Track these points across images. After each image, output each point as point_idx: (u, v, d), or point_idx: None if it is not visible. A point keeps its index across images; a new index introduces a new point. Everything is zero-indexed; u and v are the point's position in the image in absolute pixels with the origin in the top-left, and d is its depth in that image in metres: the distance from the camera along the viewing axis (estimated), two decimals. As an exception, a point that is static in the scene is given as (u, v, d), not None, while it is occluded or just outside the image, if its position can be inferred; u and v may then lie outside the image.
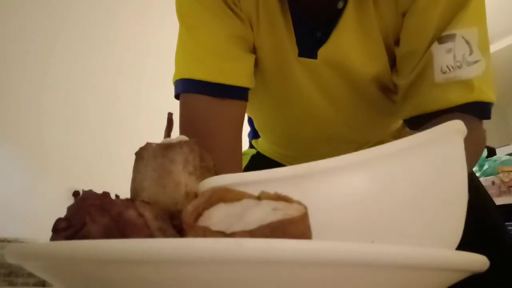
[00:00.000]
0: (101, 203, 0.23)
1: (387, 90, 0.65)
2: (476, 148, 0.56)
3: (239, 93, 0.57)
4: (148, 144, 0.27)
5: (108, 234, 0.22)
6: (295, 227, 0.20)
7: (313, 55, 0.60)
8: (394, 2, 0.57)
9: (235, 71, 0.56)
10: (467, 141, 0.54)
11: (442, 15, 0.55)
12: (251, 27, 0.59)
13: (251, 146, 0.89)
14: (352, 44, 0.59)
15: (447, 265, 0.21)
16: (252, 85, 0.60)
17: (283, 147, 0.81)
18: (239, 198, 0.24)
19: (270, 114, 0.73)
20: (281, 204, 0.22)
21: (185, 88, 0.56)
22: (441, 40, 0.55)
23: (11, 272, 2.45)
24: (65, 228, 0.24)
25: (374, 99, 0.66)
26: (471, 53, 0.54)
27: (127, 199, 0.24)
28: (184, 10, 0.60)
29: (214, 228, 0.21)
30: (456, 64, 0.54)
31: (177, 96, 0.58)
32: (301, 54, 0.60)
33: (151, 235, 0.22)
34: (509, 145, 3.59)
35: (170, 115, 0.33)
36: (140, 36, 3.49)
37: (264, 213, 0.21)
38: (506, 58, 4.33)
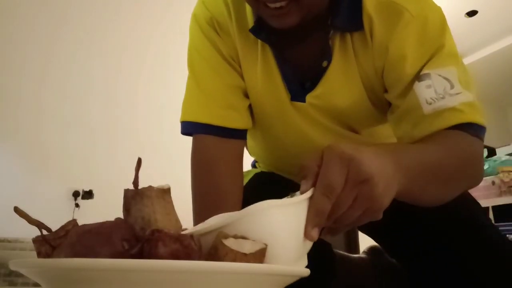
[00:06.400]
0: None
1: (371, 123, 0.77)
2: (460, 162, 0.59)
3: (237, 134, 0.72)
4: (150, 187, 0.37)
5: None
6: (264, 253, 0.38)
7: (302, 100, 0.71)
8: (371, 57, 0.67)
9: (233, 118, 0.71)
10: (446, 150, 0.57)
11: (413, 65, 0.62)
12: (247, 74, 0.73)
13: (254, 166, 1.00)
14: (335, 90, 0.69)
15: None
16: (249, 126, 0.75)
17: (280, 171, 0.91)
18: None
19: (268, 146, 0.86)
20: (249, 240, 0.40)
21: (196, 129, 0.72)
22: (419, 78, 0.61)
23: (11, 272, 2.45)
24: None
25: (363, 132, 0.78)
26: (452, 87, 0.60)
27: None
28: (193, 61, 0.76)
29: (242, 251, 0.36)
30: (439, 96, 0.60)
31: (183, 133, 0.74)
32: (293, 98, 0.72)
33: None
34: (509, 145, 3.57)
35: (139, 159, 0.40)
36: (139, 37, 3.50)
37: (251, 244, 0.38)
38: (506, 58, 4.33)
